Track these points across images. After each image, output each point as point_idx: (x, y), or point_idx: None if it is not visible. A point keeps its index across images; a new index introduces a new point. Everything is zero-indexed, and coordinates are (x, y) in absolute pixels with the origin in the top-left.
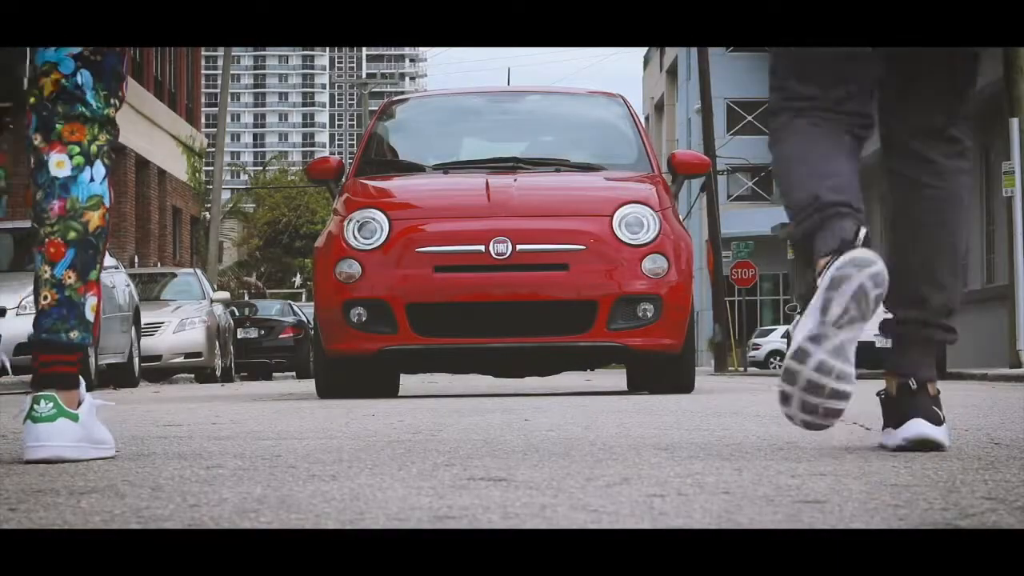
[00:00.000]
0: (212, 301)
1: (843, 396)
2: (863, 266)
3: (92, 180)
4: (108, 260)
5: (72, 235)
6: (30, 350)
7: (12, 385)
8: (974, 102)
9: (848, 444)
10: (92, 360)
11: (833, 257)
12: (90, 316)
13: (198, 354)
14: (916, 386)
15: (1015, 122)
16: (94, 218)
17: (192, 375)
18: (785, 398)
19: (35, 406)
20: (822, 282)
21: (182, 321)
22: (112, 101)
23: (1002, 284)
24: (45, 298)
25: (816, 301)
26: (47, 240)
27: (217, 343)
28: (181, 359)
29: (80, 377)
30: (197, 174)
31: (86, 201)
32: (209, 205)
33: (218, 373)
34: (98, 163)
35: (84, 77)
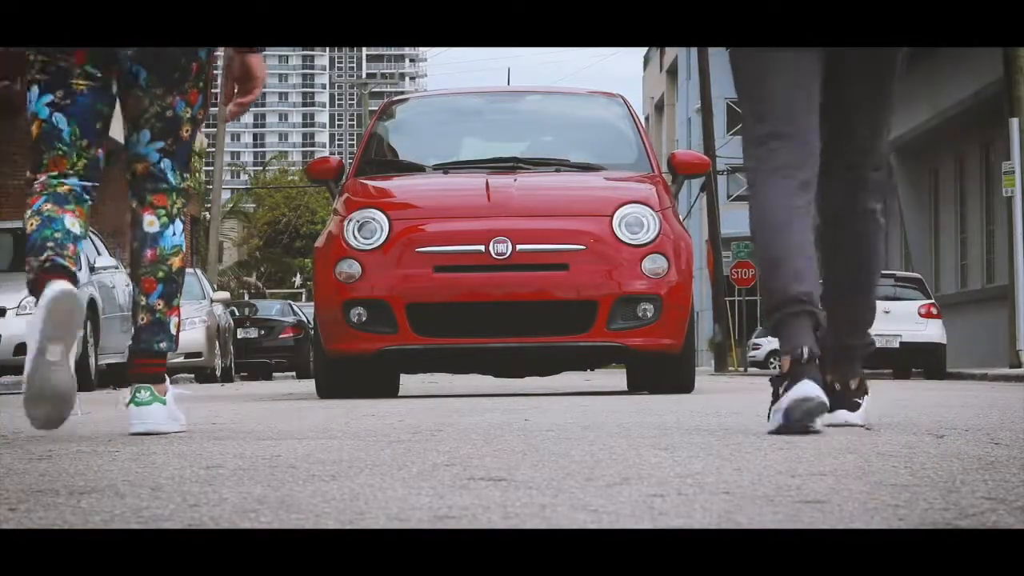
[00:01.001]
0: (212, 301)
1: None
2: (805, 403)
3: (174, 234)
4: (108, 260)
5: (160, 274)
6: (131, 356)
7: (12, 385)
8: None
9: (848, 444)
10: (92, 360)
11: (787, 384)
12: (174, 331)
13: (198, 354)
14: (839, 387)
15: (1015, 122)
16: (176, 262)
17: (192, 375)
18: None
19: (136, 394)
20: (777, 405)
21: (182, 321)
22: (184, 176)
23: (1002, 284)
24: (142, 319)
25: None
26: (142, 277)
27: (217, 343)
28: (181, 359)
29: (165, 374)
30: (197, 174)
31: (171, 250)
32: (209, 205)
33: (218, 373)
34: (177, 221)
35: (165, 164)
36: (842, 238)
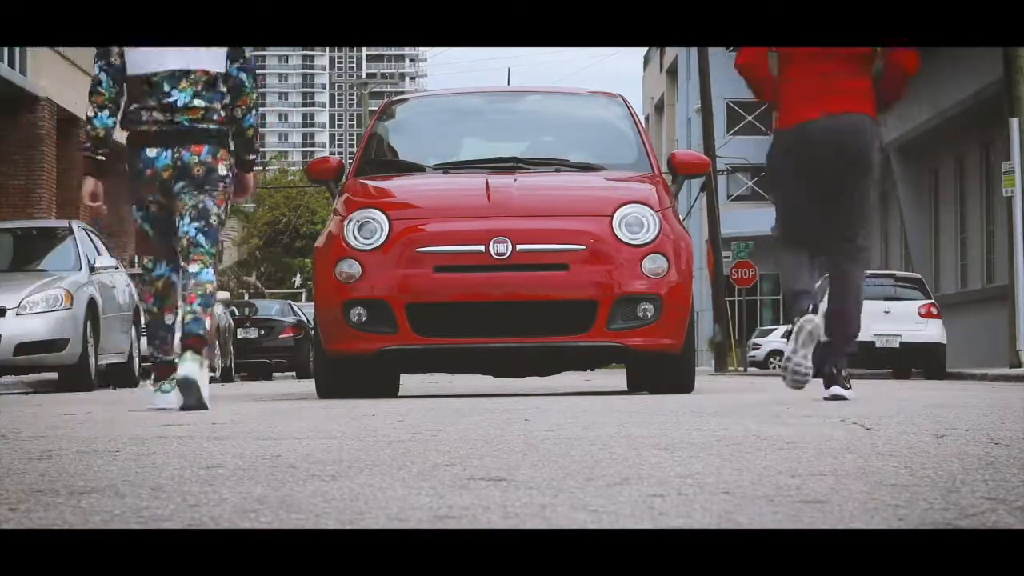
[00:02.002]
0: None
1: (803, 375)
2: (809, 322)
3: (209, 275)
4: (108, 260)
5: (199, 292)
6: (181, 340)
7: (12, 385)
8: (879, 194)
9: (848, 444)
10: (92, 360)
11: (797, 318)
12: (207, 325)
13: None
14: (836, 371)
15: (1015, 122)
16: (209, 287)
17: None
18: (783, 376)
19: (184, 355)
20: (794, 327)
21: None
22: (215, 245)
23: (1002, 284)
24: (187, 317)
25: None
26: (188, 295)
27: (217, 343)
28: None
29: (204, 347)
30: None
31: (205, 281)
32: None
33: (218, 373)
34: (211, 267)
35: (200, 238)
36: (834, 275)
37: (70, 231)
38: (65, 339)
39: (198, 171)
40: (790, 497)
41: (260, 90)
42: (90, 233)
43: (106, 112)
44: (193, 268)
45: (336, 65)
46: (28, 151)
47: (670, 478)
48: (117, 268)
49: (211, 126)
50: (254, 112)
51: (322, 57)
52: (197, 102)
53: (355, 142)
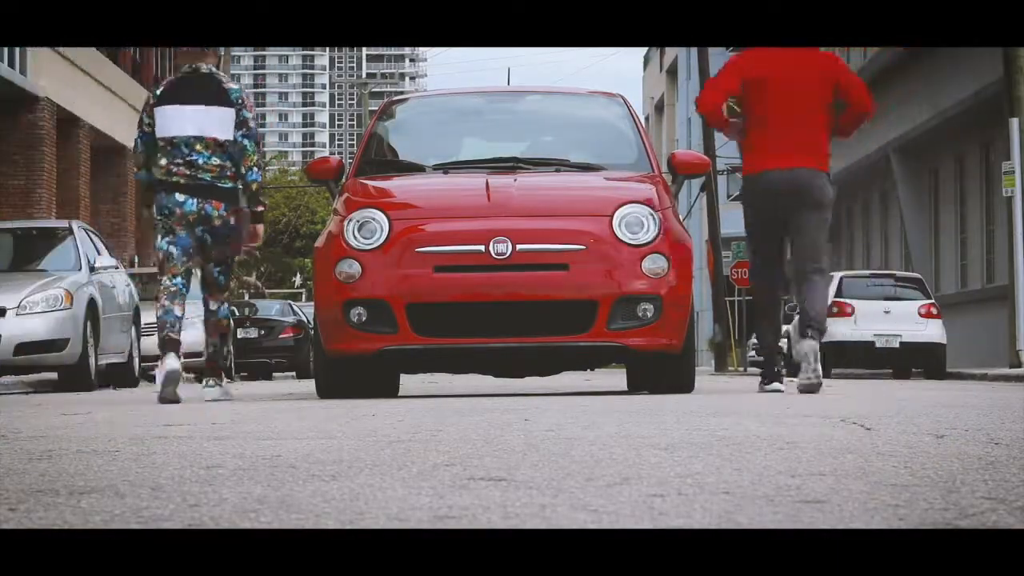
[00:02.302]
0: None
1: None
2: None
3: (225, 311)
4: (108, 260)
5: (219, 330)
6: (207, 360)
7: (12, 385)
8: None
9: (848, 444)
10: (92, 360)
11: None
12: (225, 352)
13: (198, 354)
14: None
15: (1015, 122)
16: (224, 323)
17: (192, 375)
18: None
19: (207, 385)
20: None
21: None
22: (230, 280)
23: (1002, 284)
24: (209, 348)
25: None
26: (211, 330)
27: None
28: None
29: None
30: None
31: (222, 319)
32: None
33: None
34: (226, 303)
35: (220, 280)
36: (804, 284)
37: (70, 231)
38: (65, 339)
39: (217, 222)
40: (790, 497)
41: (260, 90)
42: (90, 233)
43: (142, 172)
44: (213, 306)
45: (336, 65)
46: (28, 151)
47: (670, 478)
48: (117, 268)
49: (227, 184)
50: (255, 170)
51: (322, 57)
52: (215, 160)
53: (355, 142)
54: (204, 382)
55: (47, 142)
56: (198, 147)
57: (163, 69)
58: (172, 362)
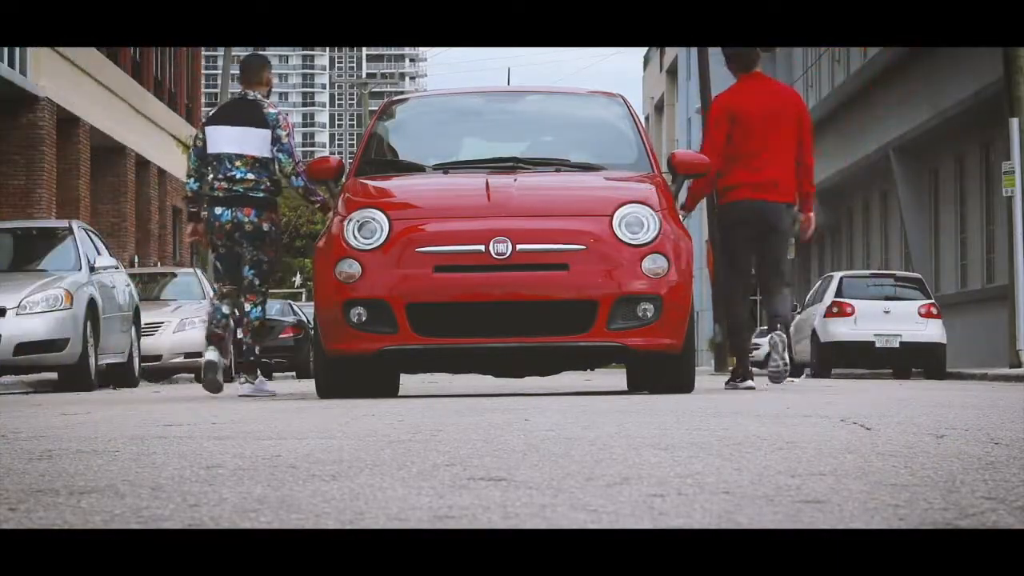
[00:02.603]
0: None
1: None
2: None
3: (258, 312)
4: (108, 260)
5: (251, 328)
6: (240, 359)
7: (12, 385)
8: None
9: (848, 444)
10: (92, 360)
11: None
12: (257, 351)
13: (198, 354)
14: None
15: (1015, 122)
16: (256, 324)
17: (192, 375)
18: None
19: (240, 381)
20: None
21: (182, 321)
22: (266, 283)
23: (1002, 284)
24: (243, 347)
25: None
26: (245, 328)
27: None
28: (181, 359)
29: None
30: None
31: (254, 320)
32: None
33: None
34: (260, 305)
35: (256, 282)
36: (768, 298)
37: (70, 231)
38: (65, 339)
39: (249, 228)
40: (790, 497)
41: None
42: (90, 233)
43: (192, 179)
44: (247, 307)
45: (336, 65)
46: (28, 151)
47: (670, 478)
48: (117, 268)
49: (259, 194)
50: (293, 177)
51: (322, 57)
52: (250, 175)
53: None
54: (237, 378)
55: (47, 142)
56: (238, 163)
57: (163, 69)
58: (210, 354)
